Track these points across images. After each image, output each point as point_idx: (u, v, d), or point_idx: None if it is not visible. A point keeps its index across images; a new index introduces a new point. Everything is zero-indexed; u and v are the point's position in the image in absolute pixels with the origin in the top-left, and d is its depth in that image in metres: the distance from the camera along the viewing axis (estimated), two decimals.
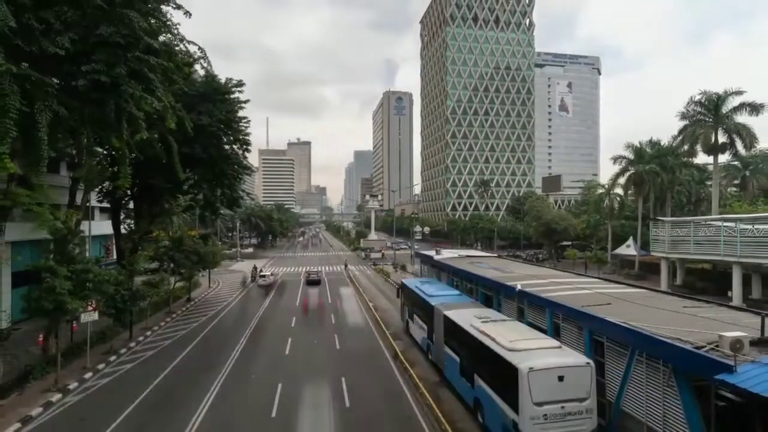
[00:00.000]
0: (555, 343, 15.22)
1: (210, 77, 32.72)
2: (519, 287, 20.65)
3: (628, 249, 55.39)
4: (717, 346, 10.79)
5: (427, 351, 23.49)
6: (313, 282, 50.83)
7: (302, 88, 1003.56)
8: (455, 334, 18.82)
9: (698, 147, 43.40)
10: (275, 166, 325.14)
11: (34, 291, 20.64)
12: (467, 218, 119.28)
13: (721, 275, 38.86)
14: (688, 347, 11.19)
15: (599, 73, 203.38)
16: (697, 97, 42.70)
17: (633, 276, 50.65)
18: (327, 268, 67.16)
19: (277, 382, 20.00)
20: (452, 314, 19.72)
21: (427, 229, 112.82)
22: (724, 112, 40.99)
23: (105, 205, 35.70)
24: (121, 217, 34.39)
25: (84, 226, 27.77)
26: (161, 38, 21.46)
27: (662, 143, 56.85)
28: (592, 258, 59.91)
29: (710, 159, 44.32)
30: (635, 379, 13.04)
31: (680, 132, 44.90)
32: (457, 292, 26.64)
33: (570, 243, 72.37)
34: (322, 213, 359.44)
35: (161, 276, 33.34)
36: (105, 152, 29.02)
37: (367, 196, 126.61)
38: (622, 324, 13.56)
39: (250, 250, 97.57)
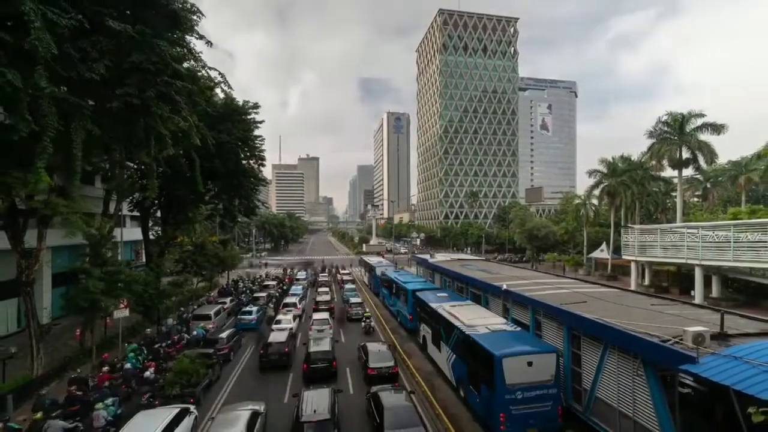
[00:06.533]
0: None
1: (229, 99, 32.79)
2: (504, 287, 20.62)
3: (602, 253, 55.31)
4: (681, 339, 10.78)
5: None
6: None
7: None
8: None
9: (665, 162, 43.34)
10: (287, 179, 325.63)
11: (72, 290, 20.70)
12: (458, 225, 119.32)
13: (685, 276, 38.75)
14: (655, 340, 11.18)
15: (576, 96, 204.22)
16: (664, 117, 42.72)
17: (606, 277, 50.58)
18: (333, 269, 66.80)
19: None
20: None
21: (422, 235, 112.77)
22: (688, 130, 40.94)
23: (135, 213, 35.78)
24: (149, 225, 34.43)
25: (116, 232, 27.80)
26: (185, 64, 21.53)
27: (633, 158, 56.94)
28: (569, 261, 59.90)
29: (675, 173, 44.31)
30: (608, 369, 13.00)
31: (649, 148, 44.80)
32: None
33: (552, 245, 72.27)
34: (329, 221, 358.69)
35: (185, 277, 33.35)
36: (135, 166, 29.09)
37: (369, 206, 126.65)
38: (597, 320, 13.55)
39: (264, 254, 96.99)
